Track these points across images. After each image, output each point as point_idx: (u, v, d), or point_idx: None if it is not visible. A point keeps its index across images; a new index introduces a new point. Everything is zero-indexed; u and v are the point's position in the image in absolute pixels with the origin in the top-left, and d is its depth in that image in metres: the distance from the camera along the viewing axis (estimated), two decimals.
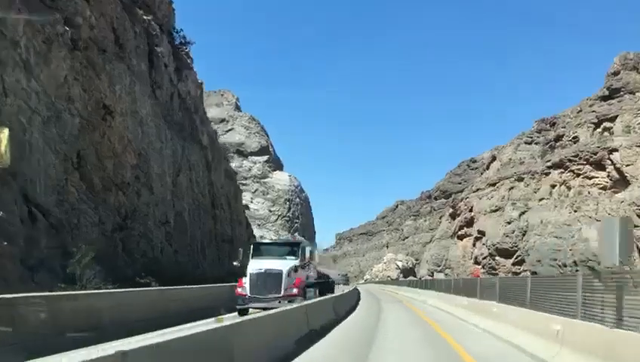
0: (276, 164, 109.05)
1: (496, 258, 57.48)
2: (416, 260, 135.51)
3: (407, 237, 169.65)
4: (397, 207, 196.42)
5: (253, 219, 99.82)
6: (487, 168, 67.96)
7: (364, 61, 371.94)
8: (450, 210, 71.63)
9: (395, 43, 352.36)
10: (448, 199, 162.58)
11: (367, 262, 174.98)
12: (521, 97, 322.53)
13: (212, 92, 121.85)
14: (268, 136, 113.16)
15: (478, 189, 63.77)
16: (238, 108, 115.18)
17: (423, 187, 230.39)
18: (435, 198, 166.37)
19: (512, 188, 59.14)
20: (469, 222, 62.95)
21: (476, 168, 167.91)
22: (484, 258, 58.14)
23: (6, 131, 8.69)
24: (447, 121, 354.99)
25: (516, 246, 55.93)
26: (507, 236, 56.58)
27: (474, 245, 60.55)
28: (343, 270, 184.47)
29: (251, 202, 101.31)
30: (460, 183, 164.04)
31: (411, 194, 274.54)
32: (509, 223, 56.91)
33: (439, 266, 66.64)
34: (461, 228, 64.57)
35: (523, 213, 56.59)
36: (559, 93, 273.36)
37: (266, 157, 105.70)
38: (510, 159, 62.49)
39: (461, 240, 64.70)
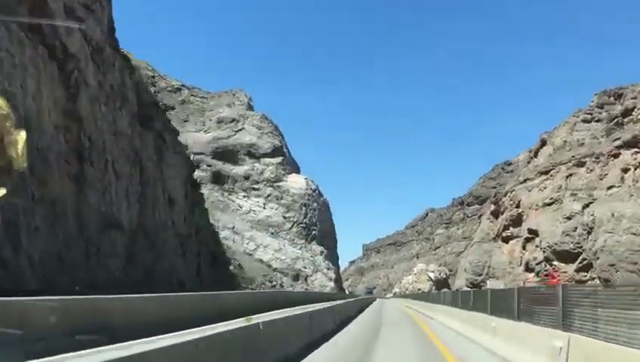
0: (292, 167, 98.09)
1: (554, 263, 45.17)
2: (450, 270, 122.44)
3: (438, 247, 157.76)
4: (427, 215, 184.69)
5: (266, 227, 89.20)
6: (536, 155, 55.64)
7: (392, 58, 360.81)
8: (492, 207, 59.32)
9: (424, 41, 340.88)
10: (482, 205, 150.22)
11: (397, 274, 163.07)
12: (562, 84, 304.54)
13: (223, 92, 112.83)
14: (282, 136, 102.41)
15: (526, 180, 51.56)
16: (250, 108, 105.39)
17: (454, 194, 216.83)
18: (468, 205, 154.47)
19: (570, 175, 46.92)
20: (517, 221, 50.85)
21: (511, 171, 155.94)
22: (538, 263, 45.89)
23: (23, 134, 7.51)
24: (479, 123, 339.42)
25: (580, 248, 43.57)
26: (567, 235, 44.29)
27: (524, 248, 48.45)
28: (371, 283, 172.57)
29: (264, 208, 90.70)
30: (494, 188, 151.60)
31: (442, 201, 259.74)
32: (569, 219, 44.66)
33: (480, 275, 54.41)
34: (506, 228, 52.43)
35: (587, 205, 44.29)
36: (618, 65, 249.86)
37: (279, 159, 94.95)
38: (565, 141, 50.23)
39: (507, 242, 52.51)
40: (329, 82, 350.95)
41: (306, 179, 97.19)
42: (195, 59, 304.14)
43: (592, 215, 43.23)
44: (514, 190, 52.63)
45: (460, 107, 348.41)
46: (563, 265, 44.46)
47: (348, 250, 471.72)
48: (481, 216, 75.33)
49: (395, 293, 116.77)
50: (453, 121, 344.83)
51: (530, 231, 47.38)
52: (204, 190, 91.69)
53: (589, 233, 43.19)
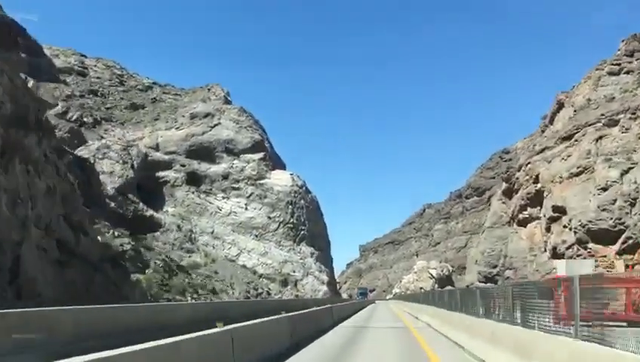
0: (275, 162, 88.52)
1: (589, 245, 36.00)
2: (452, 266, 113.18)
3: (438, 243, 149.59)
4: (424, 211, 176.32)
5: (249, 229, 79.75)
6: (552, 121, 46.21)
7: (379, 49, 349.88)
8: (504, 186, 49.62)
9: (414, 29, 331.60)
10: (481, 196, 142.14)
11: (396, 273, 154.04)
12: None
13: (198, 88, 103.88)
14: (263, 130, 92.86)
15: (544, 149, 42.18)
16: (228, 102, 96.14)
17: (451, 187, 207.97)
18: (467, 197, 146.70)
19: (600, 137, 37.71)
20: (536, 199, 41.53)
21: (510, 160, 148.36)
22: (569, 247, 36.58)
23: None
24: (474, 111, 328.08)
25: (622, 224, 34.30)
26: (604, 210, 35.05)
27: (548, 230, 39.04)
28: (371, 284, 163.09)
29: (245, 209, 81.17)
30: (493, 178, 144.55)
31: (439, 196, 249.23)
32: (604, 190, 35.44)
33: (495, 267, 44.91)
34: (523, 208, 43.06)
35: (626, 171, 35.07)
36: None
37: (261, 155, 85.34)
38: (589, 100, 40.99)
39: (525, 226, 43.08)
40: (316, 75, 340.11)
41: (291, 175, 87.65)
42: (170, 56, 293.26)
43: (635, 182, 33.90)
44: (529, 163, 43.23)
45: (453, 97, 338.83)
46: (600, 247, 35.09)
47: (345, 252, 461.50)
48: (490, 197, 64.81)
49: (395, 294, 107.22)
50: (447, 112, 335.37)
51: (556, 208, 38.02)
52: (180, 192, 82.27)
53: (632, 205, 33.85)
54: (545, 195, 39.81)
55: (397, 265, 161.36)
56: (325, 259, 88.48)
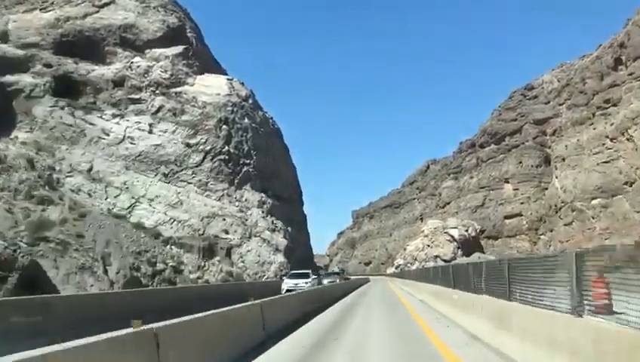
0: (204, 63, 53.02)
1: None
2: (481, 227, 78.52)
3: (448, 203, 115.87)
4: (428, 167, 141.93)
5: (154, 165, 44.90)
6: None
7: None
8: None
9: None
10: (500, 144, 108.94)
11: (397, 241, 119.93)
12: None
13: None
14: (187, 14, 57.08)
15: None
16: None
17: (459, 138, 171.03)
18: (482, 146, 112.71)
19: None
20: None
21: (535, 97, 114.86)
22: None
23: None
24: (487, 48, 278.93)
25: None
26: None
27: None
28: (366, 256, 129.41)
29: (150, 132, 46.06)
30: (515, 120, 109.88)
31: (444, 149, 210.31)
32: None
33: None
34: None
35: None
36: None
37: (179, 49, 50.07)
38: None
39: None
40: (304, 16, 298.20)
41: (229, 80, 52.13)
42: None
43: None
44: None
45: (458, 37, 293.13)
46: None
47: (336, 221, 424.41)
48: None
49: (398, 267, 72.59)
50: (452, 50, 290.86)
51: None
52: (41, 107, 47.26)
53: None
54: None
55: (397, 232, 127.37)
56: (291, 213, 53.67)
